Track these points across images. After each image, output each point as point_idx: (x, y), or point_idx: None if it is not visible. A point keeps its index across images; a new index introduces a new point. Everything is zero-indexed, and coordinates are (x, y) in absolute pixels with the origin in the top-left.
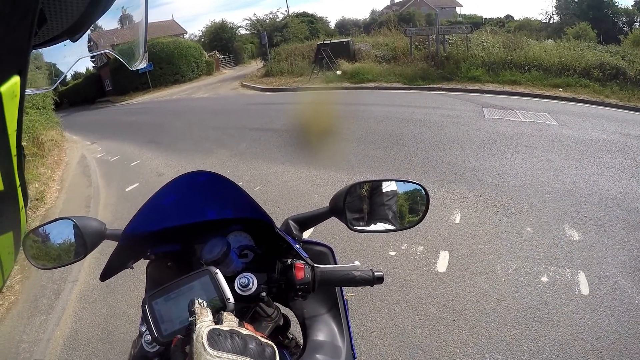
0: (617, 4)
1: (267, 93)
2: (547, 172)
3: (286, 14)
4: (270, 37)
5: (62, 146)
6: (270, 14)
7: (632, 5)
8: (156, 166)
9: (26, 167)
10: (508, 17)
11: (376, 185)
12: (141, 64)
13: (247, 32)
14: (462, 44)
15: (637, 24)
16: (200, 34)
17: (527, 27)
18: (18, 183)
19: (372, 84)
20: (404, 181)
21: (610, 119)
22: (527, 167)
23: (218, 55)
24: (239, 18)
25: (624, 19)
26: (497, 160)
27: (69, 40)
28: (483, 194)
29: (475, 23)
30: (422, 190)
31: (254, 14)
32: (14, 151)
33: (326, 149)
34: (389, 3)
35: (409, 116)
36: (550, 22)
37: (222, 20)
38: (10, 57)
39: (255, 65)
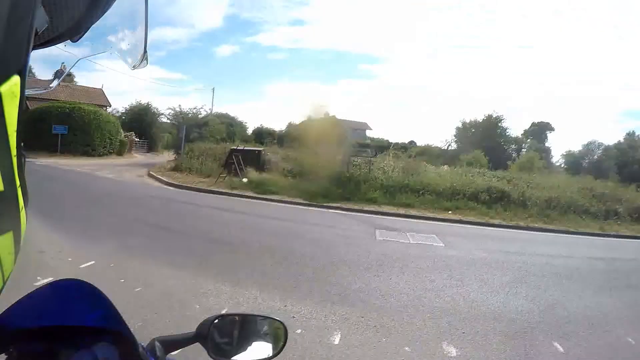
0: (508, 133)
1: (171, 188)
2: (429, 292)
3: (209, 112)
4: (188, 131)
5: None
6: (195, 108)
7: (521, 134)
8: (38, 241)
9: None
10: (412, 142)
11: (243, 318)
12: (141, 64)
13: (169, 121)
14: (365, 166)
15: (524, 150)
16: (124, 110)
17: (428, 153)
18: (18, 183)
19: (275, 197)
20: (265, 317)
21: (494, 238)
22: (410, 287)
23: (134, 137)
24: (165, 105)
25: (513, 146)
26: (382, 282)
27: (69, 40)
28: (365, 315)
29: (381, 146)
30: (282, 328)
31: (179, 105)
32: (13, 151)
33: (216, 257)
34: (305, 119)
35: (303, 233)
36: (449, 149)
37: (147, 103)
38: (10, 57)
39: (167, 156)
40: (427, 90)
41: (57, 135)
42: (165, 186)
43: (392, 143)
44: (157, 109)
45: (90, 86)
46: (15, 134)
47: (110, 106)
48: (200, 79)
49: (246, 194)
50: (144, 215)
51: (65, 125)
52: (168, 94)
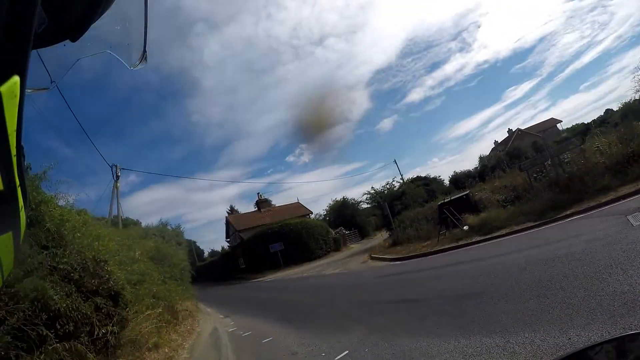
0: None
1: (397, 262)
2: None
3: (402, 181)
4: (390, 206)
5: (196, 317)
6: (387, 184)
7: None
8: (289, 344)
9: (160, 332)
10: (608, 111)
11: (579, 357)
12: (141, 63)
13: (368, 205)
14: (578, 158)
15: None
16: (325, 212)
17: (633, 110)
18: (18, 183)
19: (503, 231)
20: (614, 340)
21: None
22: None
23: (344, 231)
24: (358, 193)
25: None
26: None
27: (69, 40)
28: None
29: (581, 132)
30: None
31: (372, 187)
32: (13, 151)
33: (470, 311)
34: (493, 146)
35: (551, 254)
36: None
37: (343, 198)
38: (10, 57)
39: (381, 236)
40: None
41: (275, 252)
42: (391, 263)
43: (588, 123)
44: (353, 199)
45: (288, 203)
46: (15, 133)
47: (312, 213)
48: (377, 159)
49: (472, 240)
50: (381, 294)
51: (279, 242)
52: (356, 183)
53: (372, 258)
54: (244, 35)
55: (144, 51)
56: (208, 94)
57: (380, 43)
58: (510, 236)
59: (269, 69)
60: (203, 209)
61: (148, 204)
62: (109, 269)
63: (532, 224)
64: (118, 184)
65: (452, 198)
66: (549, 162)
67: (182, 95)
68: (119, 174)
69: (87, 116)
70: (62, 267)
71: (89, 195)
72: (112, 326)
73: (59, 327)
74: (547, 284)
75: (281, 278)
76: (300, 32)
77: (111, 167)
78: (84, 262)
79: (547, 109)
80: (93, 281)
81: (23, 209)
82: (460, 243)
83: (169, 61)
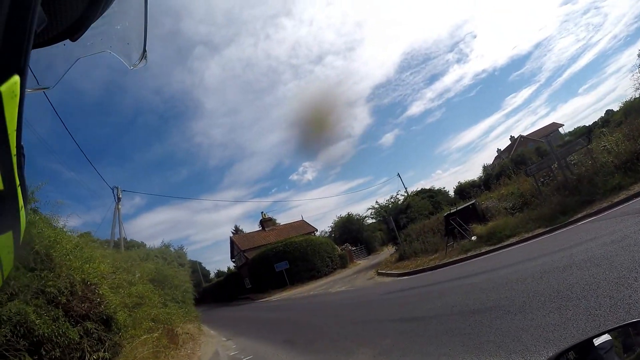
0: None
1: (405, 278)
2: None
3: (406, 194)
4: (396, 220)
5: (197, 340)
6: (391, 198)
7: None
8: None
9: (157, 357)
10: (609, 112)
11: (584, 346)
12: (141, 63)
13: (373, 219)
14: (586, 158)
15: None
16: (330, 229)
17: (635, 108)
18: (18, 183)
19: (512, 239)
20: (620, 327)
21: None
22: None
23: (350, 247)
24: (363, 209)
25: None
26: None
27: (68, 40)
28: None
29: (583, 134)
30: None
31: (376, 202)
32: (13, 151)
33: (485, 328)
34: (497, 154)
35: (568, 261)
36: None
37: (347, 214)
38: (10, 57)
39: (388, 251)
40: None
41: (281, 271)
42: (398, 278)
43: (589, 126)
44: (358, 215)
45: (292, 221)
46: (15, 133)
47: (317, 230)
48: (381, 174)
49: (482, 251)
50: (387, 312)
51: (284, 260)
52: (360, 199)
53: (379, 274)
54: (243, 56)
55: (144, 51)
56: (210, 115)
57: (378, 58)
58: (521, 244)
59: (270, 88)
60: (209, 229)
61: (153, 226)
62: (99, 292)
63: (542, 230)
64: (119, 206)
65: (458, 208)
66: (556, 165)
67: (184, 118)
68: (121, 196)
69: (91, 140)
70: (48, 290)
71: (95, 219)
72: (104, 352)
73: (44, 352)
74: (567, 293)
75: (287, 297)
76: (299, 51)
77: (112, 190)
78: (73, 285)
79: (547, 114)
80: (83, 305)
81: (23, 208)
82: (469, 254)
83: (170, 84)
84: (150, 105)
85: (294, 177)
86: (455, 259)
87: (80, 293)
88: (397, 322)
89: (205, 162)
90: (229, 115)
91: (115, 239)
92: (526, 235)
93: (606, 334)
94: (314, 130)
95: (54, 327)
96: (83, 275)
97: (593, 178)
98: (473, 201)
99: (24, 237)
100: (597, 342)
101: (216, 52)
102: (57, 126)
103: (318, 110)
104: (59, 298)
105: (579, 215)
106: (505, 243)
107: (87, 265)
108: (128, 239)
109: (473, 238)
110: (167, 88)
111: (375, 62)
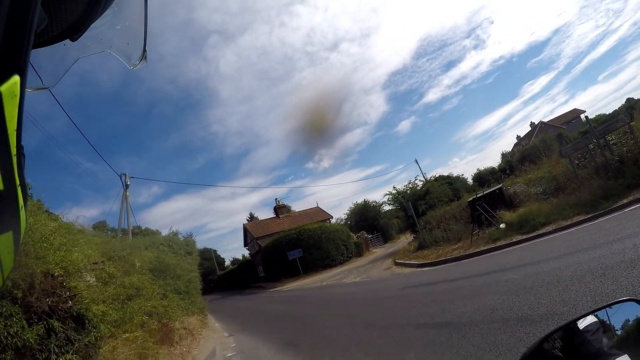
0: None
1: (426, 269)
2: None
3: (425, 180)
4: (414, 206)
5: (197, 335)
6: (409, 183)
7: None
8: None
9: (146, 353)
10: (630, 100)
11: (569, 329)
12: (141, 63)
13: (391, 205)
14: (626, 137)
15: None
16: (345, 217)
17: None
18: (18, 183)
19: (548, 228)
20: (604, 307)
21: None
22: None
23: (366, 235)
24: (379, 196)
25: None
26: None
27: (68, 40)
28: None
29: (604, 122)
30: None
31: (394, 187)
32: (13, 151)
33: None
34: (516, 141)
35: (633, 254)
36: None
37: (364, 201)
38: (10, 57)
39: (405, 239)
40: None
41: (294, 259)
42: (419, 269)
43: (610, 114)
44: (375, 201)
45: (306, 208)
46: (15, 133)
47: (332, 217)
48: (397, 161)
49: (513, 240)
50: (408, 313)
51: (298, 248)
52: (376, 186)
53: (397, 264)
54: (258, 44)
55: (144, 50)
56: (226, 103)
57: (394, 45)
58: (560, 233)
59: (285, 76)
60: (226, 217)
61: (171, 214)
62: (68, 285)
63: (583, 217)
64: (127, 193)
65: (484, 193)
66: (594, 145)
67: (200, 106)
68: (129, 183)
69: (109, 130)
70: None
71: (114, 208)
72: (72, 354)
73: None
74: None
75: (299, 287)
76: (314, 39)
77: (120, 176)
78: (32, 276)
79: (565, 102)
80: (46, 300)
81: (23, 208)
82: (499, 244)
83: (185, 73)
84: (166, 94)
85: (310, 165)
86: (483, 248)
87: (39, 286)
88: (422, 329)
89: (222, 150)
90: (245, 103)
91: (125, 227)
92: (564, 223)
93: (591, 315)
94: (330, 117)
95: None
96: (48, 266)
97: (638, 159)
98: (500, 185)
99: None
100: (581, 324)
101: (231, 41)
102: (76, 118)
103: (334, 98)
104: (15, 292)
105: (625, 201)
106: (540, 232)
107: (57, 254)
108: (143, 227)
109: (502, 225)
110: (182, 77)
111: (391, 49)
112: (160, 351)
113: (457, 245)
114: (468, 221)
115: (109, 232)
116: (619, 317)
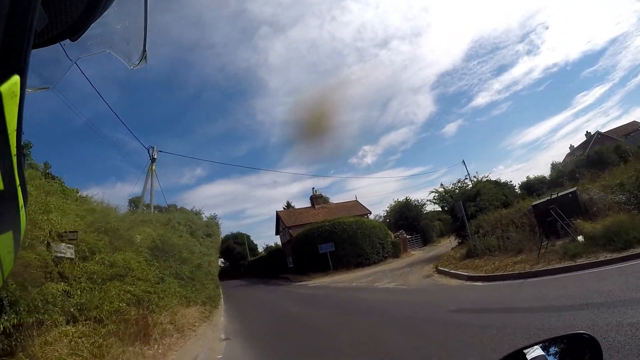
0: None
1: (479, 284)
2: None
3: (475, 180)
4: (463, 207)
5: (188, 332)
6: (458, 182)
7: None
8: None
9: (109, 351)
10: None
11: (515, 358)
12: (141, 63)
13: (436, 204)
14: None
15: None
16: (384, 214)
17: None
18: (18, 182)
19: None
20: (552, 340)
21: None
22: None
23: (405, 235)
24: (423, 196)
25: None
26: None
27: (68, 40)
28: None
29: None
30: (587, 338)
31: (441, 185)
32: (13, 151)
33: None
34: (569, 151)
35: None
36: None
37: (406, 198)
38: (10, 57)
39: (447, 243)
40: None
41: (325, 254)
42: (468, 282)
43: None
44: (418, 200)
45: (344, 201)
46: (15, 133)
47: (370, 213)
48: (440, 163)
49: (600, 258)
50: (481, 349)
51: (330, 242)
52: (418, 187)
53: (439, 272)
54: (308, 37)
55: (144, 51)
56: (273, 94)
57: (444, 45)
58: None
59: (334, 70)
60: (265, 204)
61: (212, 197)
62: None
63: None
64: (153, 167)
65: (557, 195)
66: None
67: (248, 95)
68: (156, 156)
69: (157, 114)
70: None
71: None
72: None
73: None
74: None
75: (326, 285)
76: (364, 34)
77: (147, 149)
78: None
79: (619, 116)
80: None
81: (23, 208)
82: (579, 262)
83: (234, 62)
84: (214, 82)
85: (354, 160)
86: (557, 266)
87: None
88: None
89: (267, 139)
90: (292, 95)
91: (144, 203)
92: None
93: (537, 347)
94: (376, 114)
95: None
96: None
97: None
98: (574, 189)
99: None
100: (529, 355)
101: (281, 33)
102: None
103: (381, 95)
104: None
105: None
106: (638, 250)
107: None
108: (178, 207)
109: (579, 238)
110: (231, 66)
111: (442, 49)
112: (127, 350)
113: (518, 258)
114: (533, 229)
115: (144, 208)
116: (570, 351)
